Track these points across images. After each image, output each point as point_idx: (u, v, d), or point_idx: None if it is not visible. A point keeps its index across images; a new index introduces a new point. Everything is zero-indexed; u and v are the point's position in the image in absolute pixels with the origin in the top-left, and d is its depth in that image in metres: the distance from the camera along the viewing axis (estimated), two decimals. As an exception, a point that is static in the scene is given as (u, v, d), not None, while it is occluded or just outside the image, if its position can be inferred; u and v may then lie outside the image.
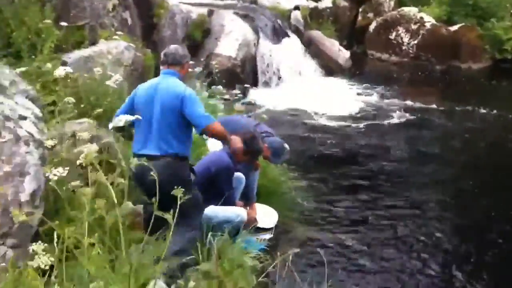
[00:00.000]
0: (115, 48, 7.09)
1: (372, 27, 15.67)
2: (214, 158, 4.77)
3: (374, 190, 6.82)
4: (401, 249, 5.39)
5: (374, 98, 11.49)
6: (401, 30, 15.19)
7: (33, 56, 5.95)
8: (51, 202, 3.48)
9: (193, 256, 3.58)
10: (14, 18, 6.35)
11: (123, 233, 2.50)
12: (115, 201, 2.32)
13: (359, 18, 16.36)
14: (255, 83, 11.15)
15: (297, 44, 12.40)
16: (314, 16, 14.65)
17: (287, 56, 11.74)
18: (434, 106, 11.00)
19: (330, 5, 15.49)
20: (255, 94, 10.54)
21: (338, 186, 6.87)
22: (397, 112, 10.44)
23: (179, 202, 2.47)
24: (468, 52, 14.64)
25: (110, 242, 2.72)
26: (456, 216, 6.29)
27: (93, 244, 2.45)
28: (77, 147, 3.51)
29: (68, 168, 2.46)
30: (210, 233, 4.05)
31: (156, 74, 5.07)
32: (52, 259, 2.31)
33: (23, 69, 5.15)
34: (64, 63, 6.17)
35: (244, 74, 10.72)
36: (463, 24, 14.80)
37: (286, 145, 5.28)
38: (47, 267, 2.28)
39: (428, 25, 14.90)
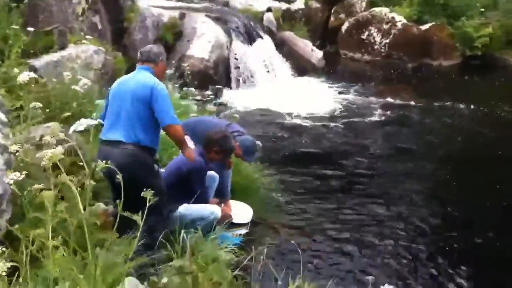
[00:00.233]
0: (84, 52, 7.04)
1: (344, 27, 15.86)
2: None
3: (350, 185, 6.87)
4: (376, 238, 5.44)
5: (349, 97, 11.59)
6: (373, 29, 15.40)
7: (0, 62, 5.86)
8: (19, 205, 3.43)
9: (163, 250, 3.61)
10: (-20, 25, 6.26)
11: (92, 233, 2.47)
12: (79, 202, 2.29)
13: (332, 19, 16.55)
14: (228, 84, 11.17)
15: (270, 45, 12.47)
16: (287, 18, 14.77)
17: (260, 57, 11.80)
18: (410, 102, 11.14)
19: (302, 6, 15.65)
20: (228, 95, 10.54)
21: (313, 182, 6.89)
22: (373, 109, 10.53)
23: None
24: (439, 49, 14.92)
25: (78, 244, 2.69)
26: (434, 206, 6.35)
27: (57, 247, 2.40)
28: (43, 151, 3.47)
29: (25, 172, 2.41)
30: (183, 231, 4.02)
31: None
32: (9, 264, 2.26)
33: (-12, 75, 5.07)
34: (33, 68, 6.10)
35: (217, 75, 10.72)
36: (433, 23, 15.06)
37: (258, 142, 5.30)
38: (3, 273, 2.22)
39: (399, 24, 15.13)
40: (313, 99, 10.83)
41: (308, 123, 9.63)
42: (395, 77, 13.83)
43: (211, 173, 4.88)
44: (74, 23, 8.28)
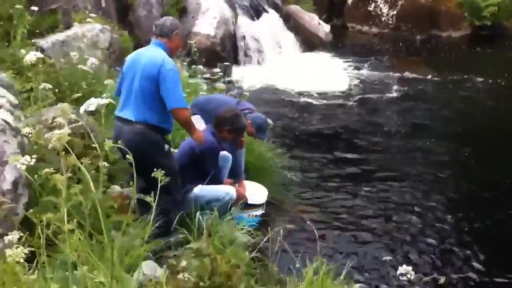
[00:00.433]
0: (90, 31, 6.90)
1: (350, -1, 15.54)
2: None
3: (365, 164, 6.77)
4: (393, 220, 5.39)
5: (363, 72, 11.31)
6: (379, 1, 15.10)
7: (6, 44, 5.78)
8: (33, 190, 3.40)
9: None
10: (-17, 5, 6.15)
11: (108, 217, 2.43)
12: (91, 184, 2.24)
13: (337, -9, 16.19)
14: (236, 61, 11.00)
15: (276, 20, 12.23)
16: (292, -9, 14.48)
17: (267, 32, 11.57)
18: (424, 76, 10.88)
19: (307, -21, 15.30)
20: (237, 72, 10.38)
21: (327, 161, 6.81)
22: (389, 85, 10.27)
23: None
24: (447, 20, 14.62)
25: (93, 227, 2.65)
26: (453, 186, 6.27)
27: (73, 231, 2.36)
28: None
29: (37, 156, 2.35)
30: (198, 212, 3.99)
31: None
32: (27, 250, 2.23)
33: (-4, 56, 5.01)
34: (40, 49, 6.02)
35: (225, 52, 10.56)
36: (441, -8, 14.73)
37: (269, 120, 5.23)
38: (21, 259, 2.19)
39: (406, -6, 14.81)
40: (325, 75, 10.57)
41: (320, 99, 9.44)
42: (405, 49, 13.61)
43: (224, 153, 4.83)
44: (77, 1, 8.13)
